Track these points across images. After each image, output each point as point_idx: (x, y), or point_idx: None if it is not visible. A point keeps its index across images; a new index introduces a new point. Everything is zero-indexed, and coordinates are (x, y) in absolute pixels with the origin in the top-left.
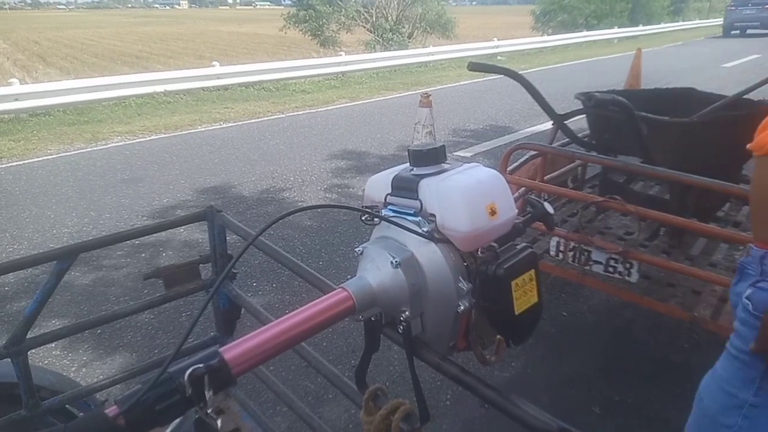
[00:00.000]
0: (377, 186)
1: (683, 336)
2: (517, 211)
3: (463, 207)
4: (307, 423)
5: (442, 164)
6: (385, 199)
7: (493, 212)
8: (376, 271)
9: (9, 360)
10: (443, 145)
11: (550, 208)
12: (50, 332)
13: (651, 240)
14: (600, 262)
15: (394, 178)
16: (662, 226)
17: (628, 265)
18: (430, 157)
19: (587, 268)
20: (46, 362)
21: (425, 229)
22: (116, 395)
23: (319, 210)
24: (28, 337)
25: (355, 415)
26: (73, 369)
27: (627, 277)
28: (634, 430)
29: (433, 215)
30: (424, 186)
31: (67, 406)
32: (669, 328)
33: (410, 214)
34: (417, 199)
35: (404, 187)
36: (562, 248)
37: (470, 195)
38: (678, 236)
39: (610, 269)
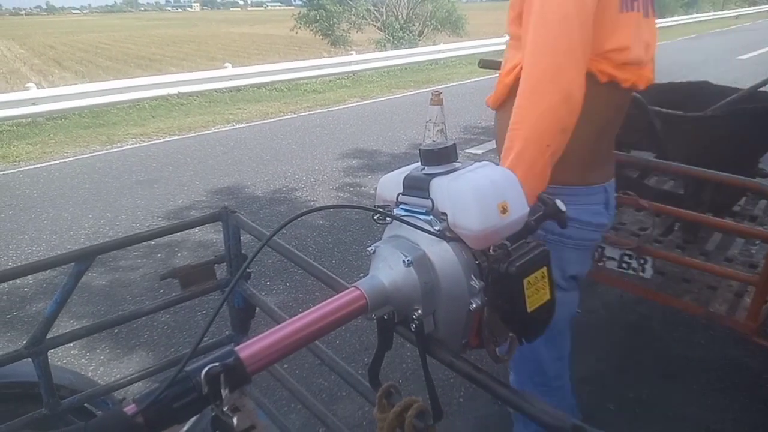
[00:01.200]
0: (389, 185)
1: (699, 332)
2: (528, 208)
3: (474, 206)
4: (321, 420)
5: (454, 163)
6: (397, 199)
7: (504, 210)
8: (388, 269)
9: (30, 360)
10: (454, 144)
11: (562, 206)
12: (69, 332)
13: (665, 235)
14: (614, 258)
15: (405, 177)
16: (677, 221)
17: (642, 261)
18: (442, 156)
19: (601, 264)
20: (65, 362)
21: (437, 228)
22: (134, 394)
23: (332, 209)
24: (47, 337)
25: (368, 412)
26: (91, 368)
27: (641, 273)
28: (649, 426)
29: (445, 214)
30: (435, 185)
31: (86, 404)
32: (684, 324)
33: (422, 213)
34: (428, 198)
35: (416, 186)
36: None
37: (481, 194)
38: (693, 231)
39: (624, 265)
